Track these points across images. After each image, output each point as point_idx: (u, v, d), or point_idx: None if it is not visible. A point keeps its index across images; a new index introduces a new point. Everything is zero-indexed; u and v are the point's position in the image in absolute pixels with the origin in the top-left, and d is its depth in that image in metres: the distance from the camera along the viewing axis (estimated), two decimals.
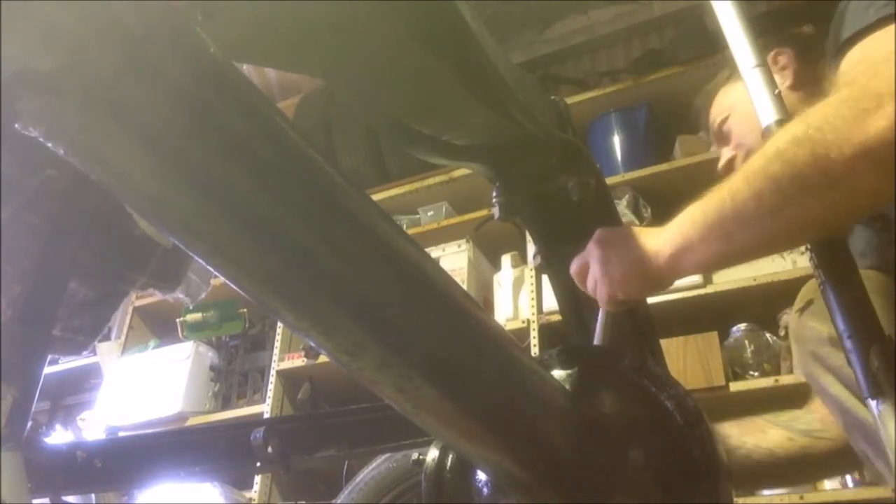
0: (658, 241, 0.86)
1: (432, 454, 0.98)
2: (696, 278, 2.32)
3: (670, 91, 2.84)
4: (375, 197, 2.03)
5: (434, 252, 2.75)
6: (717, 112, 1.28)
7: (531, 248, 2.56)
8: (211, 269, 0.56)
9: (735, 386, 2.18)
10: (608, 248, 0.90)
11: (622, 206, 2.53)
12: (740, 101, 1.18)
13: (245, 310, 2.99)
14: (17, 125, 0.43)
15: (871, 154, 0.67)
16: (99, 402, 3.12)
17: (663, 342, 1.13)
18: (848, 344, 0.74)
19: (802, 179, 0.71)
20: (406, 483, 1.24)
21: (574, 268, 0.96)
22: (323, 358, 2.69)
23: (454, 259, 2.74)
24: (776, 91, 0.87)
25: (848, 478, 2.06)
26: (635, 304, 0.97)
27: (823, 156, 0.69)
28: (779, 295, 2.29)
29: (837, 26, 0.89)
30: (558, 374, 0.98)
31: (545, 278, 1.87)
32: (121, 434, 2.83)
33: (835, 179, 0.69)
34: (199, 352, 3.05)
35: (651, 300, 1.34)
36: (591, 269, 0.92)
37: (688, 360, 2.15)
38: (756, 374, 2.26)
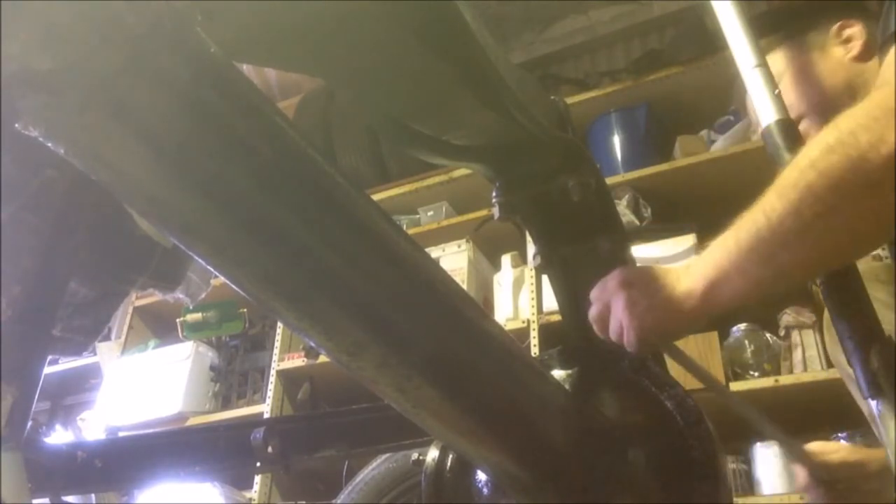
0: (687, 278, 0.81)
1: (432, 454, 0.98)
2: None
3: (670, 91, 2.84)
4: (375, 197, 2.03)
5: (434, 252, 2.75)
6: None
7: (531, 248, 2.54)
8: (211, 269, 0.56)
9: (735, 386, 2.18)
10: (634, 290, 0.84)
11: (622, 206, 2.53)
12: (789, 67, 1.15)
13: (245, 310, 2.98)
14: (17, 125, 0.43)
15: None
16: (99, 402, 3.12)
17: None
18: (848, 344, 0.74)
19: (841, 186, 0.68)
20: (406, 483, 1.24)
21: (594, 313, 0.89)
22: (323, 358, 2.69)
23: (454, 259, 2.74)
24: (776, 91, 0.87)
25: None
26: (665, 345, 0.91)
27: (860, 159, 0.67)
28: (779, 295, 2.29)
29: (886, 18, 0.87)
30: (558, 374, 0.99)
31: (545, 278, 1.86)
32: (121, 434, 2.82)
33: (874, 182, 0.67)
34: (199, 352, 3.05)
35: None
36: (615, 313, 0.85)
37: None
38: (756, 374, 2.26)
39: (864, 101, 0.71)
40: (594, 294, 0.89)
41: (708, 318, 0.82)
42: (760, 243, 0.74)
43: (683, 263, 0.85)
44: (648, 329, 0.83)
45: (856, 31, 1.14)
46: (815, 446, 1.10)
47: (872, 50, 1.09)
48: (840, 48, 1.13)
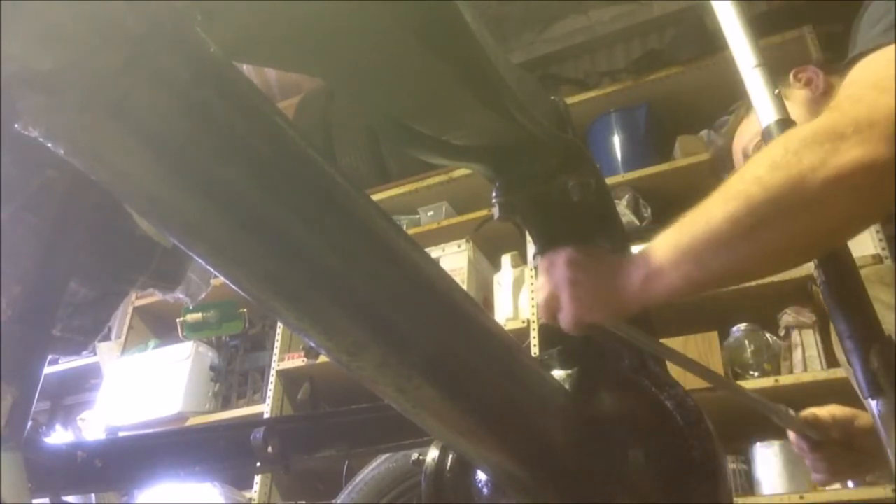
0: (629, 267, 0.84)
1: (432, 454, 0.98)
2: None
3: (670, 91, 2.84)
4: (375, 197, 2.03)
5: (434, 252, 2.75)
6: (749, 138, 1.27)
7: (531, 248, 2.55)
8: (211, 269, 0.56)
9: None
10: (578, 271, 0.87)
11: (622, 206, 2.53)
12: None
13: (245, 310, 2.98)
14: (17, 125, 0.43)
15: (845, 179, 0.67)
16: (99, 402, 3.12)
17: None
18: (848, 344, 0.75)
19: (777, 202, 0.71)
20: (406, 483, 1.24)
21: (538, 284, 0.92)
22: (323, 358, 2.69)
23: (454, 259, 2.74)
24: (776, 91, 0.87)
25: None
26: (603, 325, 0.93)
27: (798, 179, 0.69)
28: (779, 295, 2.29)
29: (854, 34, 0.88)
30: (558, 374, 0.99)
31: None
32: (121, 434, 2.82)
33: (809, 203, 0.69)
34: (199, 352, 3.05)
35: None
36: (556, 289, 0.88)
37: None
38: (756, 374, 2.26)
39: (814, 121, 0.73)
40: (542, 265, 0.92)
41: (644, 304, 0.84)
42: (697, 245, 0.77)
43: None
44: (585, 310, 0.86)
45: (811, 72, 1.20)
46: (806, 412, 1.12)
47: (834, 85, 1.14)
48: (804, 91, 1.19)
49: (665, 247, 0.80)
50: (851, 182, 0.67)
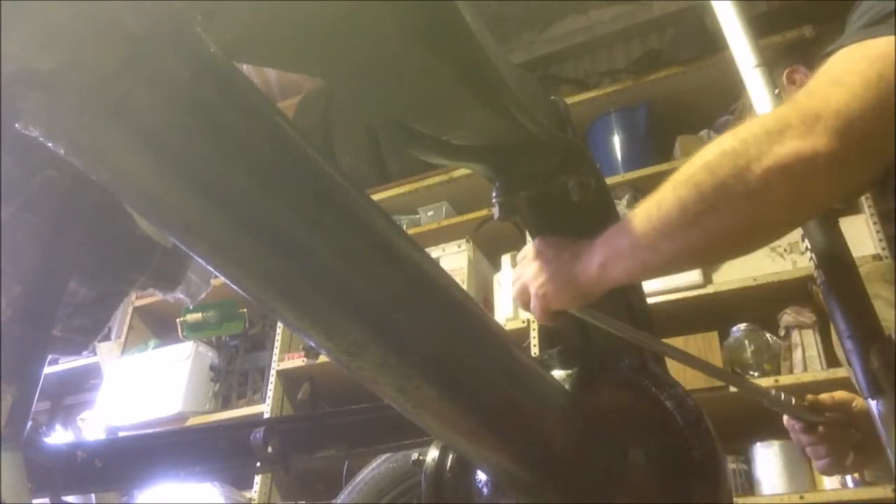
0: (587, 254, 0.87)
1: (432, 454, 0.98)
2: (696, 278, 2.32)
3: (670, 91, 2.84)
4: (375, 197, 2.03)
5: (434, 252, 2.75)
6: None
7: None
8: (211, 269, 0.56)
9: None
10: (543, 261, 0.91)
11: (622, 206, 2.53)
12: None
13: (245, 310, 2.98)
14: (17, 125, 0.43)
15: (786, 168, 0.68)
16: (99, 402, 3.12)
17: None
18: (848, 344, 0.75)
19: (723, 189, 0.72)
20: (406, 483, 1.24)
21: (513, 277, 0.97)
22: (323, 358, 2.69)
23: (454, 259, 2.74)
24: (776, 91, 0.87)
25: (848, 477, 2.05)
26: (568, 316, 0.96)
27: (743, 167, 0.71)
28: (779, 295, 2.29)
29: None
30: (558, 373, 0.98)
31: None
32: (121, 434, 2.82)
33: (751, 190, 0.70)
34: (199, 352, 3.05)
35: (651, 300, 1.33)
36: (525, 280, 0.93)
37: None
38: (756, 374, 2.26)
39: (768, 113, 0.73)
40: (518, 257, 0.96)
41: (603, 290, 0.87)
42: (650, 230, 0.79)
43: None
44: (549, 299, 0.89)
45: (802, 73, 1.21)
46: (808, 397, 1.13)
47: None
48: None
49: (621, 233, 0.83)
50: (790, 172, 0.68)
